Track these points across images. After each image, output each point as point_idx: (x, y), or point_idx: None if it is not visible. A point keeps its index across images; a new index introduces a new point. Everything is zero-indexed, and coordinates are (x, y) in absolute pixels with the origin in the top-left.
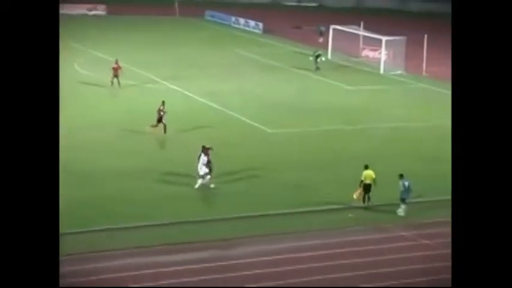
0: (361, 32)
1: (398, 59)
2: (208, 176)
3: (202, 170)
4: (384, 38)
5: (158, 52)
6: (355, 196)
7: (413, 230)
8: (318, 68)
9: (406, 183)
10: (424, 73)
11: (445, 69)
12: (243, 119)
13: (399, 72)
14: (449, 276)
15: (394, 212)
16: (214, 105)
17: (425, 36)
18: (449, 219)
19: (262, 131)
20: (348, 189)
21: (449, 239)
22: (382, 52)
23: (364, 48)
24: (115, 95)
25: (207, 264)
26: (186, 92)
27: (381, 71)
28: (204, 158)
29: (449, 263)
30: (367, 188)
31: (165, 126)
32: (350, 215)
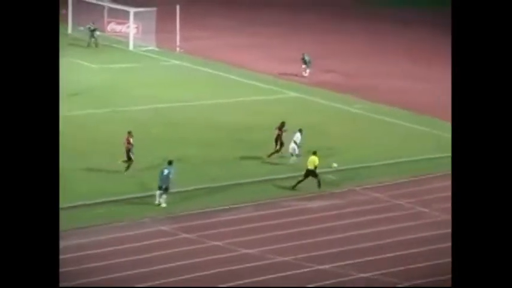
0: (106, 3)
1: (149, 34)
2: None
3: (297, 149)
4: (132, 10)
5: None
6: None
7: (174, 223)
8: (93, 44)
9: (166, 171)
10: (178, 49)
11: (200, 44)
12: None
13: (151, 48)
14: (218, 270)
15: (152, 204)
16: None
17: (178, 7)
18: (213, 208)
19: None
20: (100, 182)
21: (215, 230)
22: (131, 26)
23: (110, 22)
24: None
25: None
26: None
27: (130, 47)
28: (298, 136)
29: (218, 256)
30: (309, 174)
31: (130, 161)
32: (100, 211)
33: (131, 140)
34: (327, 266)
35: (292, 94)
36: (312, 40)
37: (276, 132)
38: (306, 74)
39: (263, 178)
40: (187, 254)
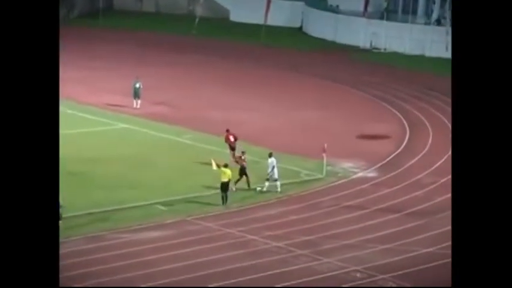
0: None
1: None
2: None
3: (275, 173)
4: None
5: None
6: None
7: None
8: None
9: None
10: None
11: None
12: None
13: None
14: None
15: None
16: None
17: None
18: None
19: None
20: None
21: None
22: None
23: None
24: None
25: None
26: None
27: None
28: (273, 161)
29: None
30: (225, 186)
31: (247, 178)
32: None
33: (244, 158)
34: None
35: (122, 125)
36: (142, 72)
37: None
38: (137, 106)
39: (90, 211)
40: None
